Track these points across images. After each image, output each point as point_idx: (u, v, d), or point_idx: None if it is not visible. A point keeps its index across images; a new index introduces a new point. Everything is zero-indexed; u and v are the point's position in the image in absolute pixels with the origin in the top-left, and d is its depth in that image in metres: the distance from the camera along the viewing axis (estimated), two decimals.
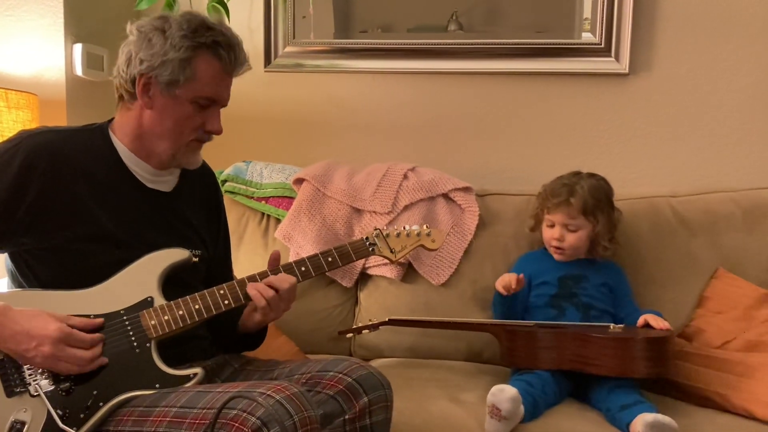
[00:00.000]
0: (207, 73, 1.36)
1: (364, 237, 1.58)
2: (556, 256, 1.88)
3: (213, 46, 1.36)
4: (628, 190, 2.08)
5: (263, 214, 2.16)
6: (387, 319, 1.90)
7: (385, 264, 2.04)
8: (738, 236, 1.97)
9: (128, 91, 1.37)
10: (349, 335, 1.97)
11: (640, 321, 1.73)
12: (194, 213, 1.52)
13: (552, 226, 1.87)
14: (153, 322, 1.32)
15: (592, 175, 1.90)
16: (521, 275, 1.82)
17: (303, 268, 1.47)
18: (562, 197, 1.84)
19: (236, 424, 1.12)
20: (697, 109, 2.25)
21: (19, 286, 1.35)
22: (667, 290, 1.95)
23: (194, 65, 1.35)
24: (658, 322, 1.69)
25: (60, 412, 1.21)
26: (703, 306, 1.90)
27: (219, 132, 1.43)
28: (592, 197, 1.82)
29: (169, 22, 1.35)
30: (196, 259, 1.43)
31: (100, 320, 1.29)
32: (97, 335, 1.27)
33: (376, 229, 1.60)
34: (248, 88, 2.31)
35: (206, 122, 1.40)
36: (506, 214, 2.09)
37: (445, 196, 2.11)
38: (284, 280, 1.40)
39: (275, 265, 1.44)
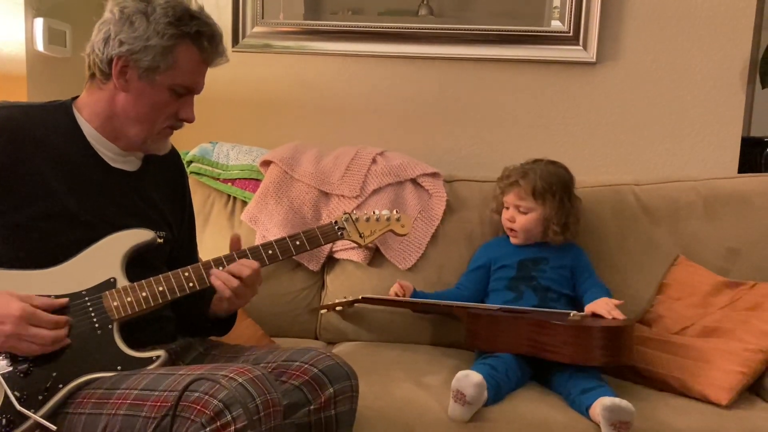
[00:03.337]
0: (187, 62, 1.35)
1: (333, 221, 1.57)
2: (511, 239, 1.93)
3: (196, 36, 1.34)
4: (593, 177, 2.11)
5: (229, 196, 2.13)
6: (360, 297, 1.92)
7: (353, 248, 2.04)
8: (698, 224, 2.02)
9: (102, 71, 1.34)
10: (323, 311, 1.98)
11: (587, 310, 1.74)
12: (159, 194, 1.50)
13: (507, 208, 1.91)
14: (115, 304, 1.30)
15: (551, 162, 1.93)
16: (399, 285, 1.90)
17: (270, 252, 1.46)
18: (513, 178, 1.89)
19: (198, 407, 1.11)
20: (662, 98, 2.28)
21: None
22: (628, 276, 1.99)
23: (176, 53, 1.33)
24: (604, 311, 1.70)
25: (17, 394, 1.19)
26: (663, 292, 1.94)
27: (191, 120, 1.41)
28: (542, 181, 1.86)
29: (153, 6, 1.32)
30: (161, 241, 1.41)
31: (64, 300, 1.27)
32: (62, 317, 1.24)
33: (345, 214, 1.60)
34: (215, 69, 2.28)
35: (180, 110, 1.38)
36: (473, 200, 2.10)
37: (413, 181, 2.11)
38: (246, 267, 1.39)
39: (237, 248, 1.43)
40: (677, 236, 2.02)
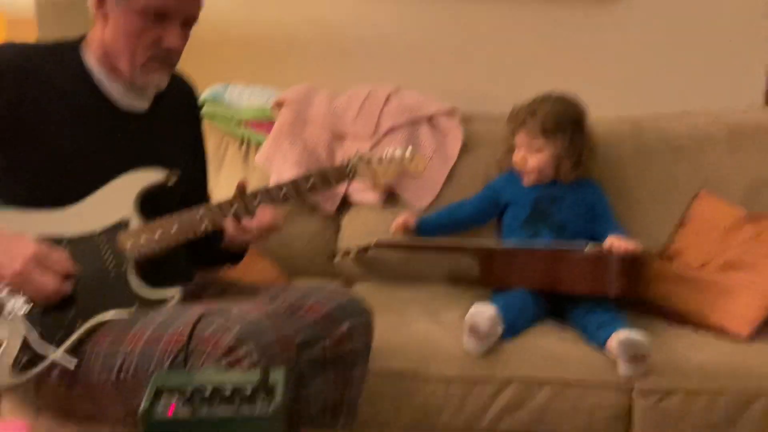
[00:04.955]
0: None
1: (346, 161, 1.56)
2: (524, 179, 1.89)
3: None
4: (612, 112, 2.06)
5: (243, 139, 2.12)
6: (374, 243, 1.91)
7: (367, 190, 2.02)
8: (721, 158, 1.97)
9: (92, 4, 1.32)
10: (337, 259, 1.98)
11: (606, 245, 1.71)
12: (171, 133, 1.48)
13: (518, 147, 1.87)
14: (130, 244, 1.30)
15: (560, 97, 1.87)
16: (403, 220, 1.90)
17: (282, 192, 1.45)
18: (521, 118, 1.84)
19: (212, 342, 1.12)
20: (684, 28, 2.20)
21: None
22: (648, 212, 1.95)
23: None
24: (621, 246, 1.67)
25: (36, 332, 1.20)
26: (684, 227, 1.91)
27: (175, 48, 1.34)
28: (552, 117, 1.81)
29: None
30: (173, 180, 1.41)
31: (78, 267, 1.26)
32: (73, 267, 1.24)
33: (357, 153, 1.58)
34: (226, 8, 2.24)
35: (163, 38, 1.32)
36: (490, 138, 2.06)
37: (429, 119, 2.08)
38: (265, 216, 1.38)
39: (244, 191, 1.42)
40: (699, 170, 1.97)
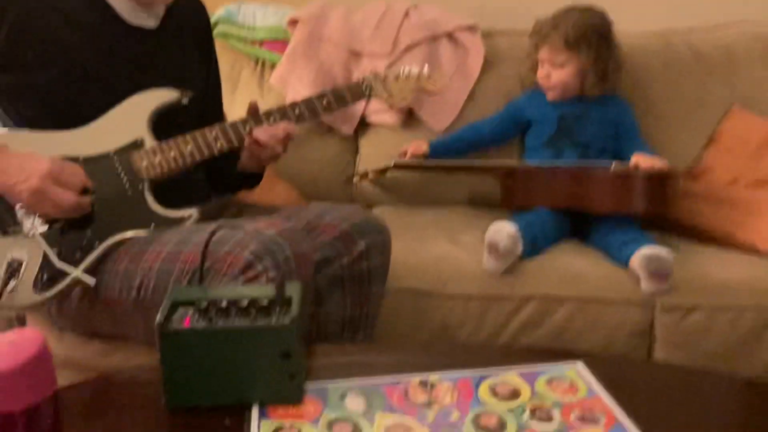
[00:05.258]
0: None
1: (361, 79, 1.52)
2: (548, 95, 1.82)
3: None
4: (640, 26, 1.96)
5: (257, 59, 2.07)
6: (392, 164, 1.88)
7: (385, 110, 1.98)
8: (756, 72, 1.88)
9: None
10: (356, 179, 1.96)
11: (632, 162, 1.66)
12: (182, 51, 1.45)
13: (541, 63, 1.80)
14: (144, 164, 1.30)
15: (585, 9, 1.79)
16: (413, 149, 1.85)
17: (297, 111, 1.42)
18: (545, 31, 1.77)
19: (229, 260, 1.12)
20: None
21: (3, 125, 1.31)
22: (677, 129, 1.88)
23: None
24: (648, 163, 1.63)
25: (56, 251, 1.21)
26: (714, 144, 1.84)
27: None
28: (575, 30, 1.73)
29: None
30: (187, 99, 1.38)
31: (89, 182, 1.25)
32: (89, 182, 1.24)
33: (373, 71, 1.54)
34: None
35: None
36: (513, 55, 1.98)
37: (449, 36, 2.00)
38: (279, 128, 1.37)
39: (256, 112, 1.40)
40: (732, 86, 1.89)
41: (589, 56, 1.74)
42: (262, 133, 1.37)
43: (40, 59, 1.26)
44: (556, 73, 1.77)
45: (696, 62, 1.91)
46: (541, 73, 1.80)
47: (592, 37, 1.74)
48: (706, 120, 1.88)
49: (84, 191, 1.23)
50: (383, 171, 1.91)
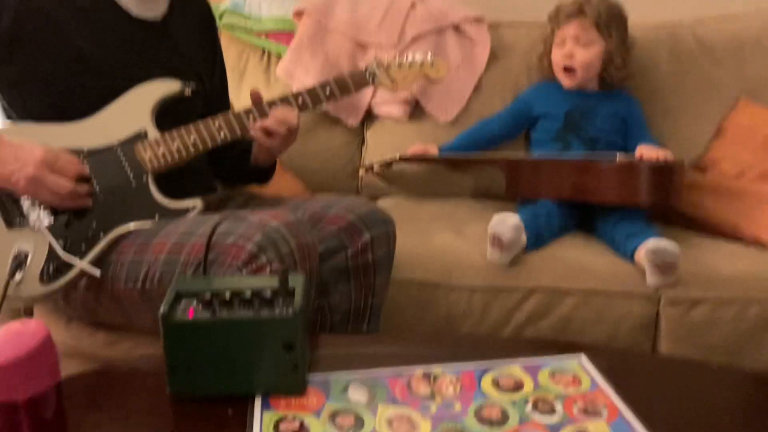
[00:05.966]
0: None
1: (364, 67, 1.51)
2: (566, 81, 1.80)
3: None
4: (648, 18, 1.94)
5: (264, 50, 2.07)
6: (398, 156, 1.88)
7: (392, 102, 1.97)
8: (763, 64, 1.86)
9: None
10: (362, 172, 1.96)
11: (636, 154, 1.65)
12: (187, 42, 1.45)
13: (563, 43, 1.78)
14: (148, 155, 1.30)
15: None
16: (422, 151, 1.84)
17: (300, 100, 1.42)
18: (575, 7, 1.75)
19: (233, 251, 1.12)
20: None
21: (8, 117, 1.32)
22: (685, 121, 1.87)
23: None
24: (653, 154, 1.62)
25: (61, 243, 1.22)
26: (721, 136, 1.83)
27: None
28: (606, 10, 1.73)
29: None
30: (189, 91, 1.38)
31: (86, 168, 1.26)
32: (86, 170, 1.24)
33: (376, 59, 1.53)
34: None
35: None
36: (520, 46, 1.98)
37: (455, 27, 2.00)
38: (284, 116, 1.37)
39: (259, 100, 1.40)
40: (740, 77, 1.87)
41: (616, 40, 1.73)
42: (269, 120, 1.36)
43: (43, 49, 1.26)
44: (581, 53, 1.75)
45: (703, 54, 1.90)
46: (564, 51, 1.77)
47: (621, 22, 1.74)
48: (713, 112, 1.86)
49: (82, 180, 1.23)
50: (389, 163, 1.90)
